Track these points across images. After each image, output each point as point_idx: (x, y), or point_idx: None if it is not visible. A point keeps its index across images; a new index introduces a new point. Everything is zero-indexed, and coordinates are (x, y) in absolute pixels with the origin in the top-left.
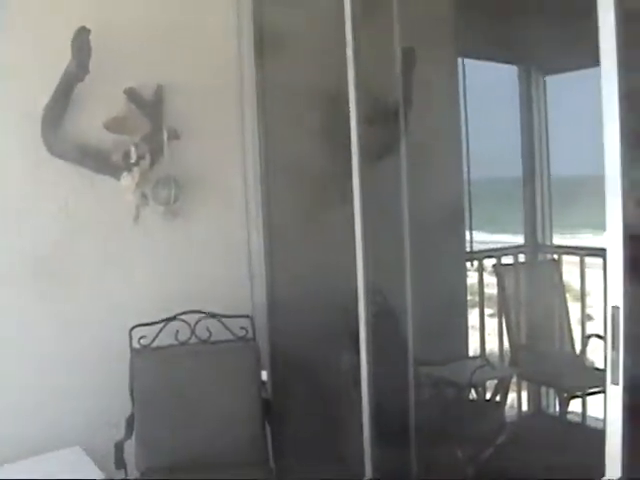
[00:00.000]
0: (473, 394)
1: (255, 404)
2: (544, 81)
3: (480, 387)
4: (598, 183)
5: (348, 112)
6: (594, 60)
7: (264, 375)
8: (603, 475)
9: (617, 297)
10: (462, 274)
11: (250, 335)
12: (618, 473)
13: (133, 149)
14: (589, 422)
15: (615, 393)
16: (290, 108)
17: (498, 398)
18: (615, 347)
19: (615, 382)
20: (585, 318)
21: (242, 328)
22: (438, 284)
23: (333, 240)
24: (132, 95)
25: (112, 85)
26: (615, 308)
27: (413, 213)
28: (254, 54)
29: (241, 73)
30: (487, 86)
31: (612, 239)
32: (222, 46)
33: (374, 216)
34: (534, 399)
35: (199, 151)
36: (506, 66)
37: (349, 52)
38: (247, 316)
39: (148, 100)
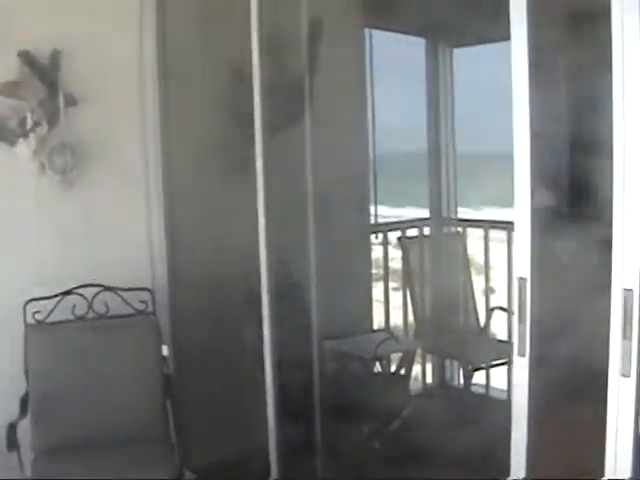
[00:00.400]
0: (378, 367)
1: (155, 380)
2: (451, 54)
3: (385, 360)
4: (502, 158)
5: (252, 81)
6: (502, 34)
7: (165, 350)
8: (508, 444)
9: (524, 269)
10: (366, 247)
11: (150, 309)
12: (524, 442)
13: (29, 115)
14: (492, 393)
15: (522, 365)
16: (193, 77)
17: (403, 371)
18: (522, 318)
19: (522, 354)
20: (489, 291)
21: (142, 302)
22: (342, 257)
23: (236, 212)
24: (26, 58)
25: (5, 48)
26: (522, 280)
27: (317, 185)
28: (156, 21)
29: (141, 39)
30: (394, 58)
31: (520, 213)
32: (122, 11)
33: (277, 188)
34: (439, 371)
35: (98, 119)
36: (414, 38)
37: (253, 20)
38: (147, 289)
39: (44, 64)
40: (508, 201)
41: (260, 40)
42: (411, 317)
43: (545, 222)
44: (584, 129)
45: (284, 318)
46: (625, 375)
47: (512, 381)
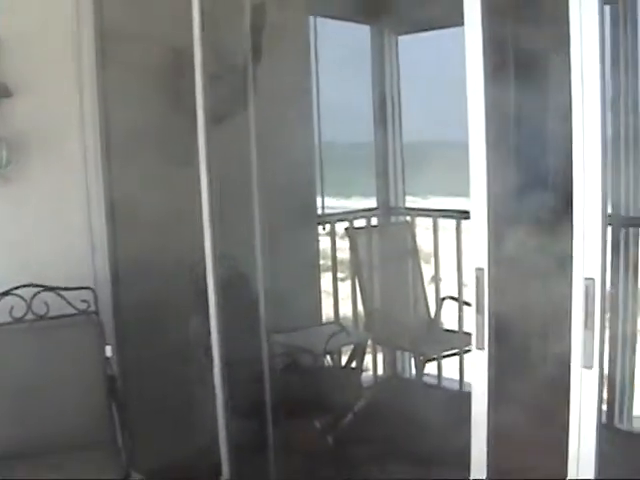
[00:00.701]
0: (329, 361)
1: (99, 382)
2: (397, 41)
3: (335, 354)
4: (450, 146)
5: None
6: (449, 20)
7: (108, 351)
8: (465, 436)
9: (482, 259)
10: (314, 238)
11: (92, 308)
12: (484, 439)
13: None
14: (445, 384)
15: (481, 358)
16: (133, 65)
17: (354, 364)
18: (480, 310)
19: (480, 347)
20: (439, 280)
21: (84, 301)
22: (290, 248)
23: (180, 205)
24: None
25: None
26: (479, 270)
27: (263, 175)
28: (93, 9)
29: (79, 28)
30: (339, 46)
31: (476, 202)
32: None
33: (222, 178)
34: (390, 363)
35: (34, 110)
36: (358, 25)
37: (195, 6)
38: (88, 288)
39: None
40: (456, 189)
41: (201, 26)
42: (361, 309)
43: (502, 211)
44: (540, 116)
45: (232, 312)
46: (587, 367)
47: (471, 374)
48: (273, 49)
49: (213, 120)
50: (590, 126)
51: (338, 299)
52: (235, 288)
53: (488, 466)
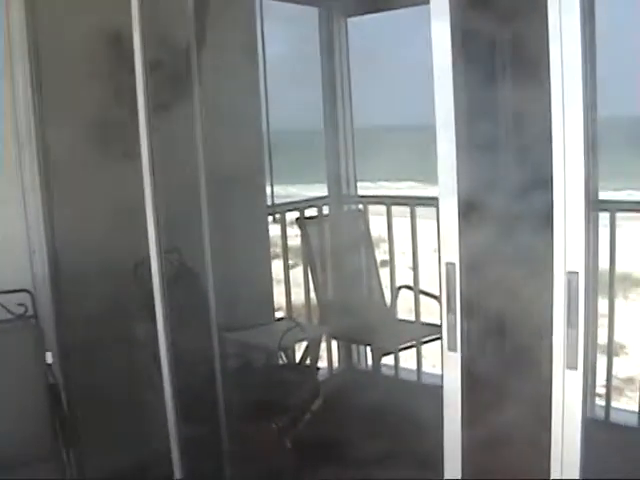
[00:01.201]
0: (283, 358)
1: (39, 392)
2: (346, 23)
3: (290, 350)
4: (403, 131)
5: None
6: (400, 0)
7: (49, 357)
8: (432, 434)
9: (452, 253)
10: (264, 230)
11: (30, 312)
12: (458, 443)
13: None
14: (403, 375)
15: (453, 360)
16: (69, 53)
17: (309, 360)
18: (451, 309)
19: (452, 348)
20: (394, 269)
21: (21, 305)
22: (240, 242)
23: (123, 199)
24: None
25: None
26: (450, 265)
27: (210, 165)
28: None
29: (7, 15)
30: (287, 29)
31: (445, 192)
32: None
33: (166, 170)
34: (346, 355)
35: None
36: (306, 8)
37: None
38: (26, 291)
39: None
40: (410, 174)
41: (140, 9)
42: (315, 302)
43: (474, 201)
44: (517, 103)
45: (180, 310)
46: (571, 367)
47: (431, 366)
48: (217, 33)
49: (156, 109)
50: (570, 103)
51: (291, 293)
52: (183, 285)
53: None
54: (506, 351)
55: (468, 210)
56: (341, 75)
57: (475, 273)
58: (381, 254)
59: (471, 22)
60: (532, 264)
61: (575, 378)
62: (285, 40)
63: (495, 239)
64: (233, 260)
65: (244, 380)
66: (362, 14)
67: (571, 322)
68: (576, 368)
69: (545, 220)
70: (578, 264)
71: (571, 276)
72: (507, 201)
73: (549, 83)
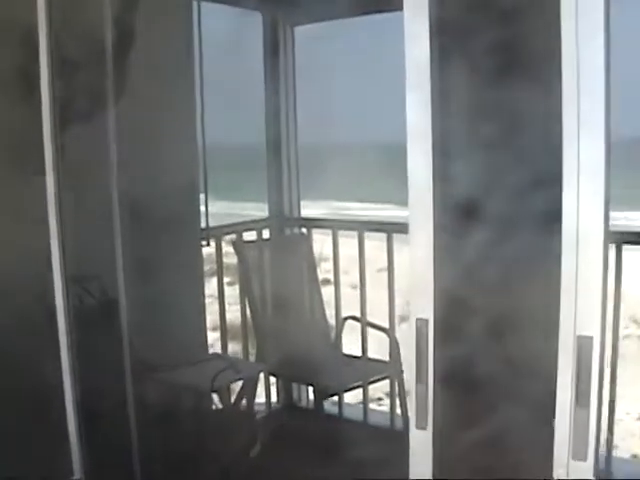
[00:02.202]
0: (216, 400)
1: None
2: (292, 32)
3: (224, 391)
4: (352, 148)
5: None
6: (351, 9)
7: None
8: None
9: (425, 306)
10: (196, 257)
11: None
12: None
13: None
14: (348, 413)
15: (424, 441)
16: None
17: (246, 401)
18: (422, 378)
19: (422, 426)
20: (340, 298)
21: None
22: (167, 270)
23: (26, 222)
24: None
25: None
26: (421, 321)
27: (128, 184)
28: None
29: None
30: (228, 35)
31: (417, 224)
32: None
33: (78, 188)
34: (286, 392)
35: None
36: (249, 12)
37: None
38: None
39: None
40: (360, 195)
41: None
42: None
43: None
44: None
45: (90, 348)
46: (579, 458)
47: (410, 457)
48: (149, 34)
49: (67, 117)
50: (588, 113)
51: (226, 327)
52: (97, 318)
53: None
54: (496, 434)
55: (448, 243)
56: (286, 87)
57: (454, 331)
58: (326, 282)
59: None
60: (531, 321)
61: (584, 471)
62: (225, 47)
63: (480, 284)
64: (158, 291)
65: (169, 428)
66: (311, 22)
67: (581, 400)
68: (585, 459)
69: (550, 262)
70: (592, 325)
71: (583, 341)
72: (501, 233)
73: (557, 98)
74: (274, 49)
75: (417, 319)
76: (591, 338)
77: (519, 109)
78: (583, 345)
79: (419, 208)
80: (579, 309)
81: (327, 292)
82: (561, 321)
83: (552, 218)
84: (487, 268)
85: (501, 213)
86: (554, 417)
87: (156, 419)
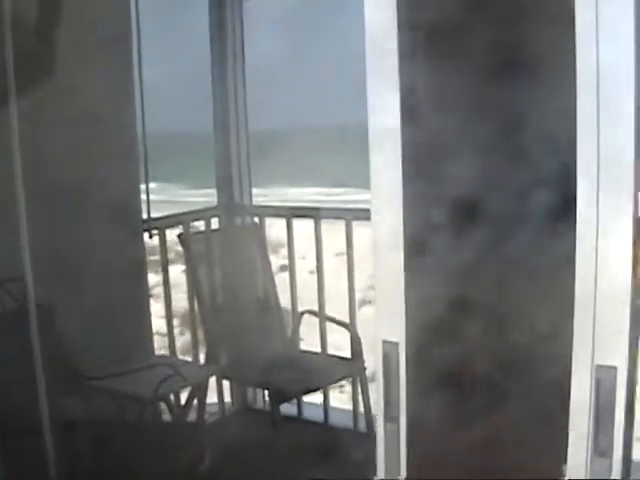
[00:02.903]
0: (163, 409)
1: None
2: (241, 8)
3: (171, 400)
4: (304, 133)
5: None
6: None
7: None
8: None
9: (394, 326)
10: (138, 252)
11: None
12: None
13: None
14: (308, 414)
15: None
16: None
17: (197, 407)
18: (391, 415)
19: (393, 473)
20: (296, 292)
21: None
22: (103, 268)
23: None
24: None
25: None
26: (390, 345)
27: (46, 173)
28: None
29: None
30: (168, 11)
31: (383, 233)
32: None
33: None
34: (241, 394)
35: None
36: None
37: None
38: None
39: None
40: (315, 181)
41: None
42: (202, 336)
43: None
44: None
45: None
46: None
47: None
48: (77, 10)
49: None
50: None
51: (173, 329)
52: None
53: None
54: None
55: (419, 253)
56: (234, 68)
57: (432, 357)
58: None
59: None
60: (532, 350)
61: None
62: (167, 24)
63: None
64: (94, 291)
65: (110, 439)
66: None
67: (600, 446)
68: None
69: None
70: (617, 353)
71: (604, 372)
72: (486, 242)
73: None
74: (220, 25)
75: (384, 342)
76: (615, 368)
77: (491, 106)
78: (604, 378)
79: (386, 218)
80: (598, 330)
81: (284, 279)
82: (575, 346)
83: (554, 218)
84: (472, 283)
85: (488, 219)
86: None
87: (86, 434)
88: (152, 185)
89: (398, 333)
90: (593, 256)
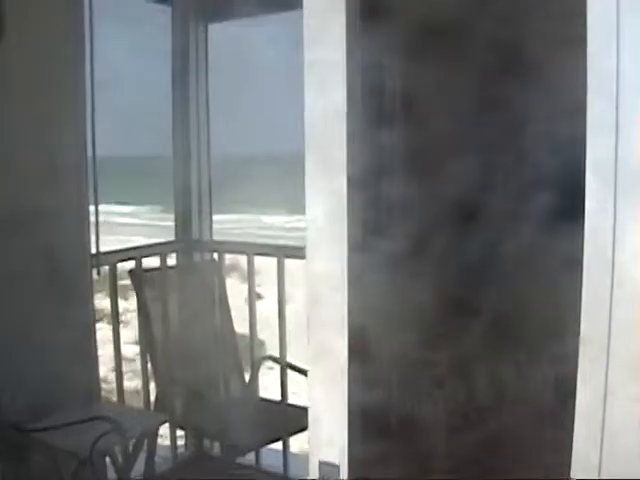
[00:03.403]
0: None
1: None
2: (206, 30)
3: (115, 453)
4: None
5: None
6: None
7: None
8: None
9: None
10: (84, 292)
11: None
12: None
13: None
14: (268, 461)
15: None
16: None
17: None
18: None
19: None
20: (255, 335)
21: None
22: (43, 310)
23: None
24: None
25: None
26: (328, 468)
27: None
28: None
29: None
30: (128, 30)
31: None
32: None
33: None
34: (195, 440)
35: None
36: (156, 6)
37: None
38: None
39: None
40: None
41: None
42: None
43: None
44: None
45: None
46: None
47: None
48: (24, 23)
49: None
50: None
51: (122, 374)
52: None
53: None
54: None
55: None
56: (197, 92)
57: None
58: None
59: None
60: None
61: None
62: (125, 44)
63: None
64: (31, 336)
65: None
66: (228, 19)
67: None
68: None
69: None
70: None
71: None
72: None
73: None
74: (184, 48)
75: (321, 462)
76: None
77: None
78: None
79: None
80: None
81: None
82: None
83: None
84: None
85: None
86: None
87: None
88: (128, 208)
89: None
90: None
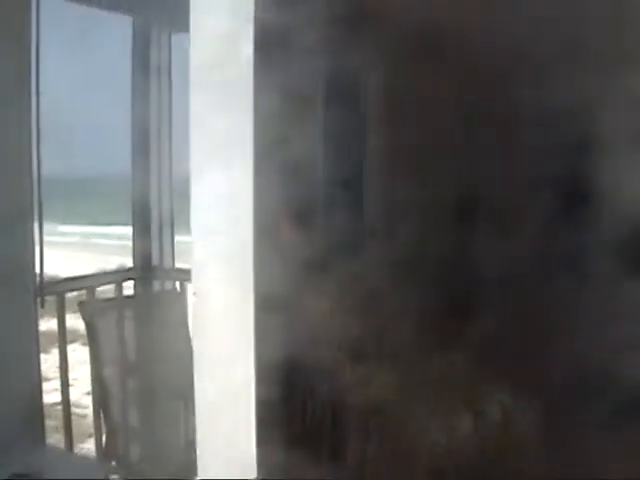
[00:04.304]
0: None
1: None
2: (170, 40)
3: None
4: None
5: None
6: None
7: None
8: None
9: None
10: (27, 326)
11: None
12: None
13: None
14: None
15: None
16: None
17: None
18: None
19: None
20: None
21: None
22: None
23: None
24: None
25: None
26: None
27: None
28: None
29: None
30: (84, 43)
31: None
32: None
33: None
34: None
35: None
36: (116, 16)
37: None
38: None
39: None
40: None
41: None
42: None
43: None
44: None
45: None
46: None
47: None
48: None
49: None
50: None
51: (70, 414)
52: None
53: None
54: None
55: None
56: (159, 108)
57: None
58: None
59: None
60: None
61: None
62: (79, 57)
63: None
64: None
65: None
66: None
67: None
68: None
69: None
70: None
71: None
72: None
73: None
74: (145, 59)
75: None
76: None
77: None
78: None
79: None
80: None
81: None
82: None
83: None
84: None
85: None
86: None
87: None
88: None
89: None
90: None
